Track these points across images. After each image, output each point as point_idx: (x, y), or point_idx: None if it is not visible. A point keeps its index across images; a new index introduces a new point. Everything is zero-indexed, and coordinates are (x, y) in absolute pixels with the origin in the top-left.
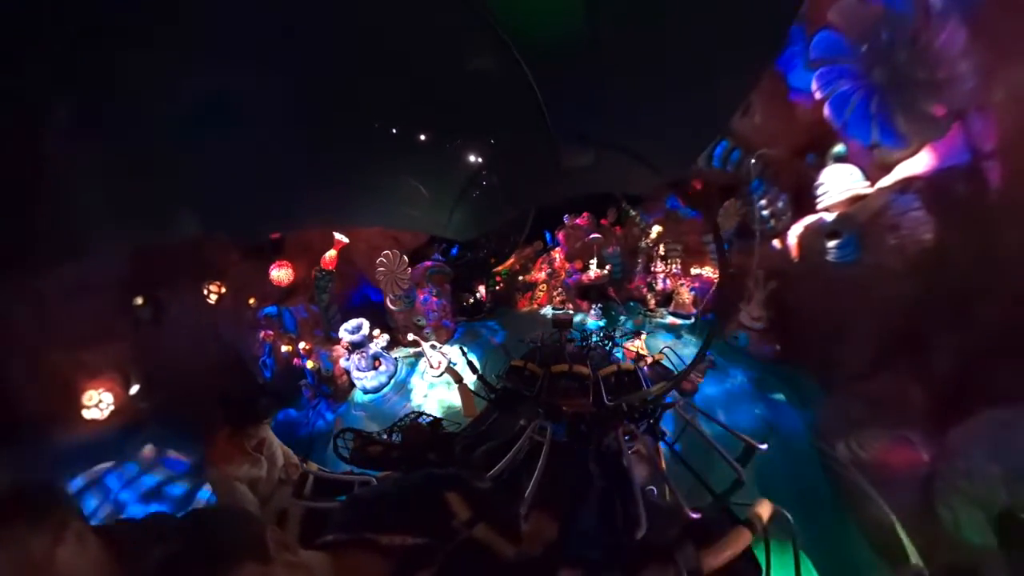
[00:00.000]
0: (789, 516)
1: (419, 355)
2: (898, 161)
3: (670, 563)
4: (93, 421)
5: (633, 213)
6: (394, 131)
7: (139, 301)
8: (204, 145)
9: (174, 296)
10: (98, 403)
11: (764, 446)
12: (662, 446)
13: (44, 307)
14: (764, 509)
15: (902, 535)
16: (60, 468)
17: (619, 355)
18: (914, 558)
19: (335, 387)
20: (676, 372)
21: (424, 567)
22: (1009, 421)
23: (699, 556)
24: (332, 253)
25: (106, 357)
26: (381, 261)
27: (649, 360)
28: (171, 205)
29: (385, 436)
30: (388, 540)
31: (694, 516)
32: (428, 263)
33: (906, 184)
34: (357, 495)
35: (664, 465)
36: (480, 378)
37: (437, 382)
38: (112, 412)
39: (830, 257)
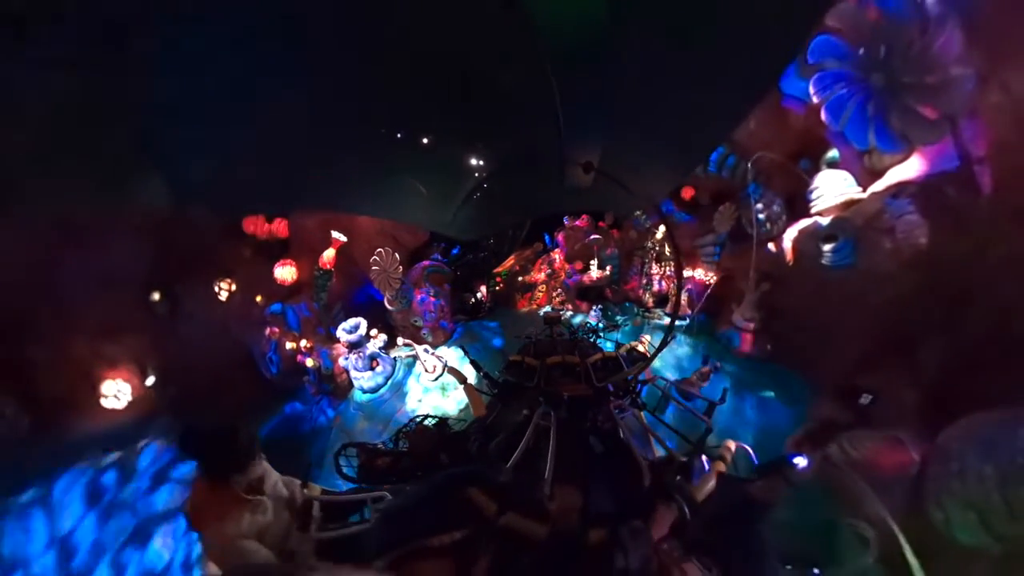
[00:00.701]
0: (747, 447)
1: (417, 357)
2: (890, 166)
3: (672, 501)
4: (112, 410)
5: (638, 212)
6: (399, 136)
7: (156, 296)
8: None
9: (188, 292)
10: (116, 392)
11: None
12: (644, 414)
13: (68, 300)
14: (731, 444)
15: (897, 533)
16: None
17: (603, 344)
18: (909, 556)
19: (335, 385)
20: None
21: (481, 556)
22: (1000, 421)
23: (692, 490)
24: (330, 252)
25: (125, 349)
26: (375, 259)
27: (627, 347)
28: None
29: (392, 446)
30: (439, 541)
31: (683, 460)
32: (426, 263)
33: (900, 188)
34: (387, 510)
35: (647, 426)
36: (485, 374)
37: (432, 387)
38: (129, 402)
39: (826, 261)
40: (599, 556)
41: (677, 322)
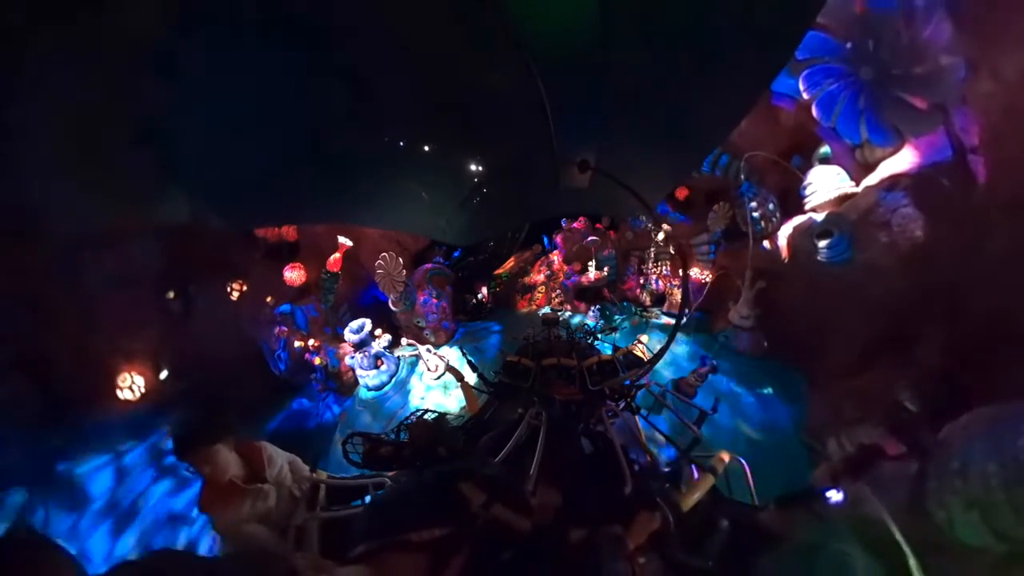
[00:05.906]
0: (742, 460)
1: (420, 356)
2: (882, 159)
3: (656, 508)
4: (126, 401)
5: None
6: (401, 143)
7: (171, 295)
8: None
9: (202, 292)
10: (131, 385)
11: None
12: (638, 419)
13: (88, 296)
14: (724, 456)
15: (895, 531)
16: (97, 444)
17: (599, 347)
18: (909, 556)
19: (341, 383)
20: (646, 359)
21: (457, 554)
22: (1004, 417)
23: (678, 497)
24: (337, 256)
25: (140, 344)
26: (379, 263)
27: (624, 351)
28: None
29: (393, 436)
30: (419, 536)
31: (666, 471)
32: (428, 265)
33: (894, 181)
34: (377, 500)
35: (641, 433)
36: (480, 375)
37: (434, 385)
38: (143, 394)
39: (821, 257)
40: (577, 558)
41: (673, 321)
